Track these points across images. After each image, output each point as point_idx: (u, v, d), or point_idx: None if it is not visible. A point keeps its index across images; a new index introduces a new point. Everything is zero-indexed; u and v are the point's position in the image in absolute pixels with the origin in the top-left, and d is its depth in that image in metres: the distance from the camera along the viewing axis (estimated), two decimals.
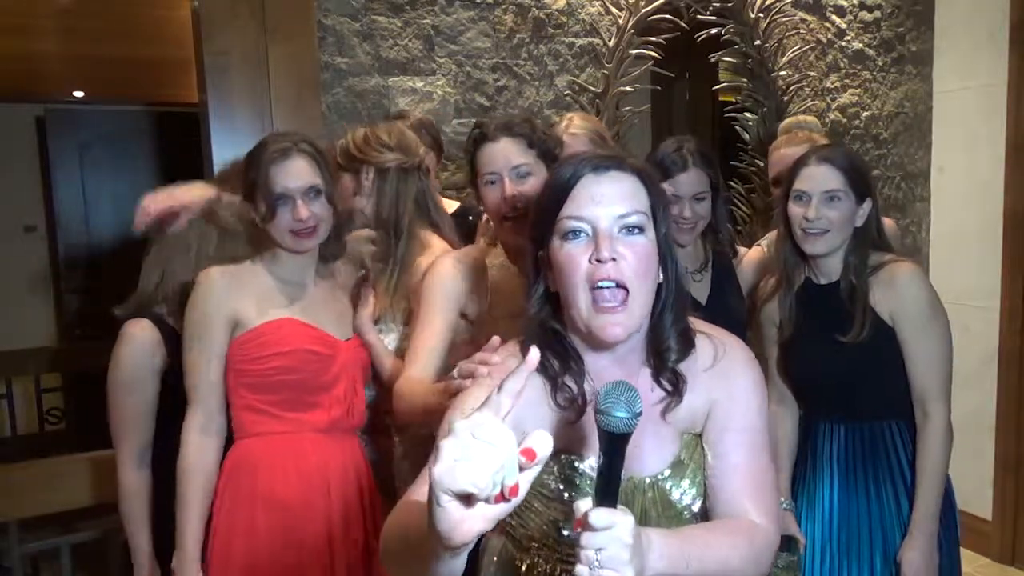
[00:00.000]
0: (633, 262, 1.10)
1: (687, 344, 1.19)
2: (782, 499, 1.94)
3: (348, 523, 1.73)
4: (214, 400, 1.68)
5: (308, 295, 1.75)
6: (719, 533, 1.12)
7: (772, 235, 2.34)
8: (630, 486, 1.19)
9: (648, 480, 1.19)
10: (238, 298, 1.67)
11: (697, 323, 1.24)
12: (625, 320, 1.10)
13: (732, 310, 2.11)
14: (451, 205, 2.32)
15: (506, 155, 1.61)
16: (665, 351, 1.17)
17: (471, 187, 1.74)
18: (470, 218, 2.26)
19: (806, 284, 1.94)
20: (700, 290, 2.07)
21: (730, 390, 1.20)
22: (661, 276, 1.16)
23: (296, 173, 1.66)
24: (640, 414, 0.89)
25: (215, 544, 1.68)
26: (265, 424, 1.69)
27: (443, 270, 1.69)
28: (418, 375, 1.58)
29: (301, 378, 1.68)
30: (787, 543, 1.89)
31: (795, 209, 1.86)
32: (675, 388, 1.18)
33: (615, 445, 0.88)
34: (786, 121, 2.32)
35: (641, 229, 1.12)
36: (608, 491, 0.89)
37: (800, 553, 1.93)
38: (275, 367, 1.66)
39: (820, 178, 1.82)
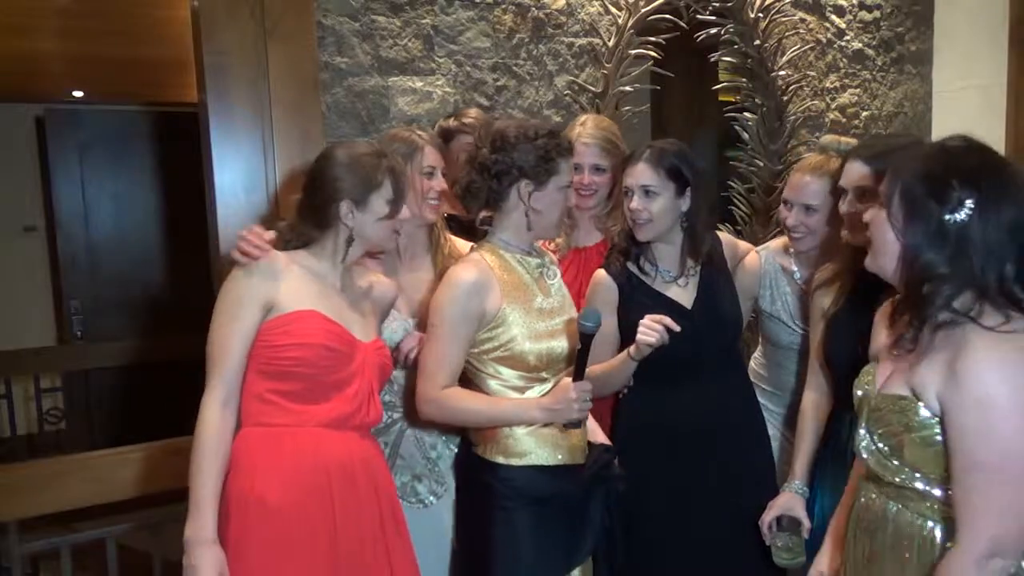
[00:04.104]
0: None
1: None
2: (797, 482, 1.98)
3: (356, 527, 1.70)
4: (236, 379, 1.68)
5: (340, 293, 1.79)
6: None
7: (771, 244, 2.32)
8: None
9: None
10: (276, 283, 1.70)
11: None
12: None
13: (722, 314, 2.12)
14: None
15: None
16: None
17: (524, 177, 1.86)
18: None
19: (862, 270, 1.92)
20: (685, 295, 2.09)
21: (957, 392, 1.31)
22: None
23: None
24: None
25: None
26: (269, 415, 1.68)
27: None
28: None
29: (314, 372, 1.68)
30: (792, 525, 1.95)
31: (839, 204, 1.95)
32: None
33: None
34: (826, 139, 2.28)
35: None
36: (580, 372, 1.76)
37: (804, 537, 1.95)
38: (292, 357, 1.67)
39: (848, 172, 1.90)
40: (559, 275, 1.98)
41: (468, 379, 1.91)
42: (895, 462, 1.45)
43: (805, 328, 2.19)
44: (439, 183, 2.03)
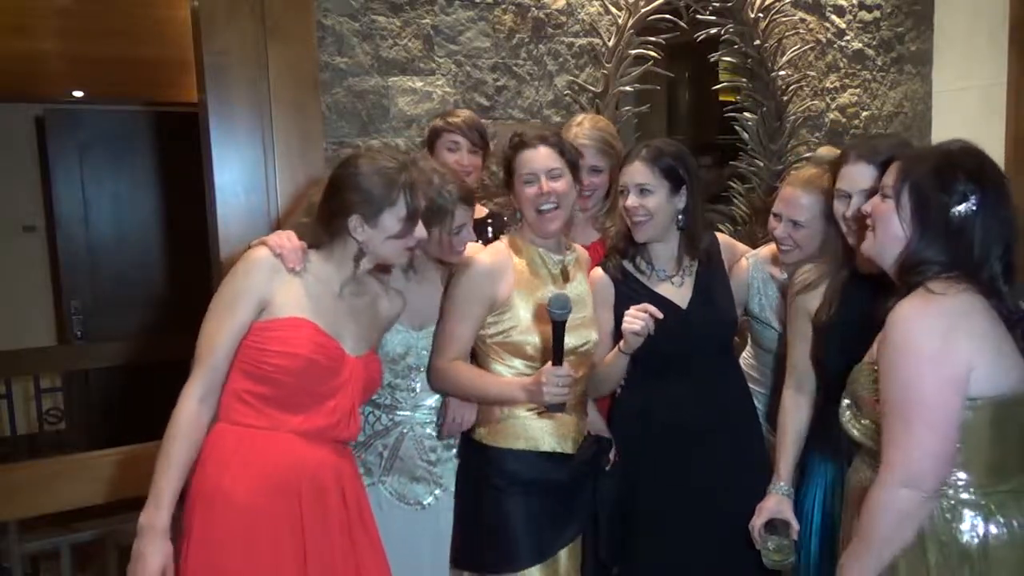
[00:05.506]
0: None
1: None
2: (782, 483, 1.99)
3: (324, 532, 1.69)
4: (219, 375, 1.67)
5: (339, 300, 1.76)
6: None
7: (761, 251, 2.31)
8: None
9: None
10: (276, 283, 1.68)
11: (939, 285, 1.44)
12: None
13: (718, 313, 2.12)
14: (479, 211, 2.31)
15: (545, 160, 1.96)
16: None
17: (506, 186, 2.04)
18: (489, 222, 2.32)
19: (854, 274, 1.91)
20: (681, 293, 2.09)
21: (885, 340, 1.45)
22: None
23: None
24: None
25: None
26: (245, 415, 1.67)
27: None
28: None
29: (295, 382, 1.67)
30: (782, 527, 1.96)
31: (836, 206, 1.91)
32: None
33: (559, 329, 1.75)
34: (821, 151, 2.27)
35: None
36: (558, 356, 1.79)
37: (793, 538, 1.96)
38: (276, 364, 1.65)
39: (855, 176, 1.85)
40: (580, 274, 2.06)
41: (481, 364, 2.01)
42: (861, 421, 1.59)
43: None
44: (468, 236, 2.00)
